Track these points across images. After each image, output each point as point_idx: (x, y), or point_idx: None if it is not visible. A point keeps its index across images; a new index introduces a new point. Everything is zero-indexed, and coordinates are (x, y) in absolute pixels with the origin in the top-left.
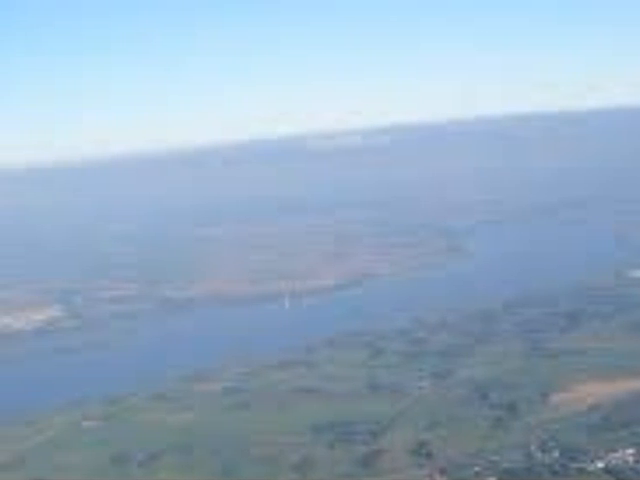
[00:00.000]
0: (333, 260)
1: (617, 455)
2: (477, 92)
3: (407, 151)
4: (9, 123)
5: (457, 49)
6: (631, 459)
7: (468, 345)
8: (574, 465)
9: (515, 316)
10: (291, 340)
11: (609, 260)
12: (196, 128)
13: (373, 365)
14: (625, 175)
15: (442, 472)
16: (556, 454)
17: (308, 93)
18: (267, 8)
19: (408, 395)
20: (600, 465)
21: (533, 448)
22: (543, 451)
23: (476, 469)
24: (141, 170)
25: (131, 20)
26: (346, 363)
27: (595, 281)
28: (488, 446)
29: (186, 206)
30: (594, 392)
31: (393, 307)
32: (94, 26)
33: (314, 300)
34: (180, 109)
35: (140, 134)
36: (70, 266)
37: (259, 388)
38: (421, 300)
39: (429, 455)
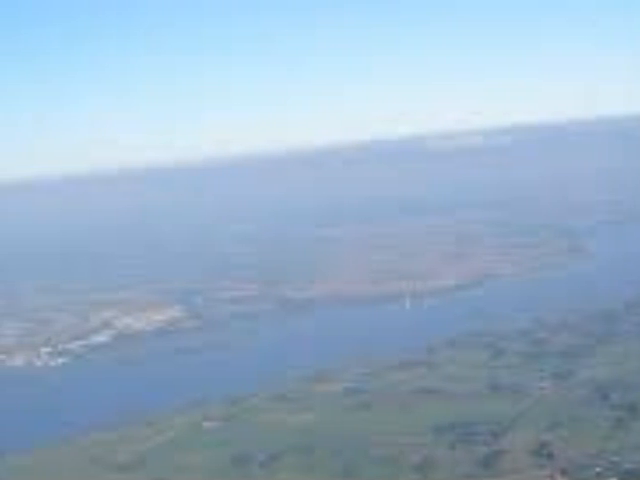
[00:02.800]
0: (454, 260)
1: None
2: (599, 92)
3: (528, 151)
4: (130, 123)
5: (579, 49)
6: None
7: (589, 345)
8: None
9: (637, 316)
10: (412, 341)
11: None
12: (316, 128)
13: (494, 366)
14: None
15: (563, 473)
16: None
17: (428, 93)
18: (387, 8)
19: (529, 396)
20: None
21: None
22: None
23: (597, 470)
24: (261, 170)
25: (252, 20)
26: (467, 364)
27: None
28: (609, 447)
29: (306, 206)
30: None
31: (514, 308)
32: (215, 26)
33: (435, 300)
34: (301, 109)
35: (260, 134)
36: (191, 266)
37: (380, 388)
38: (542, 300)
39: (550, 456)
